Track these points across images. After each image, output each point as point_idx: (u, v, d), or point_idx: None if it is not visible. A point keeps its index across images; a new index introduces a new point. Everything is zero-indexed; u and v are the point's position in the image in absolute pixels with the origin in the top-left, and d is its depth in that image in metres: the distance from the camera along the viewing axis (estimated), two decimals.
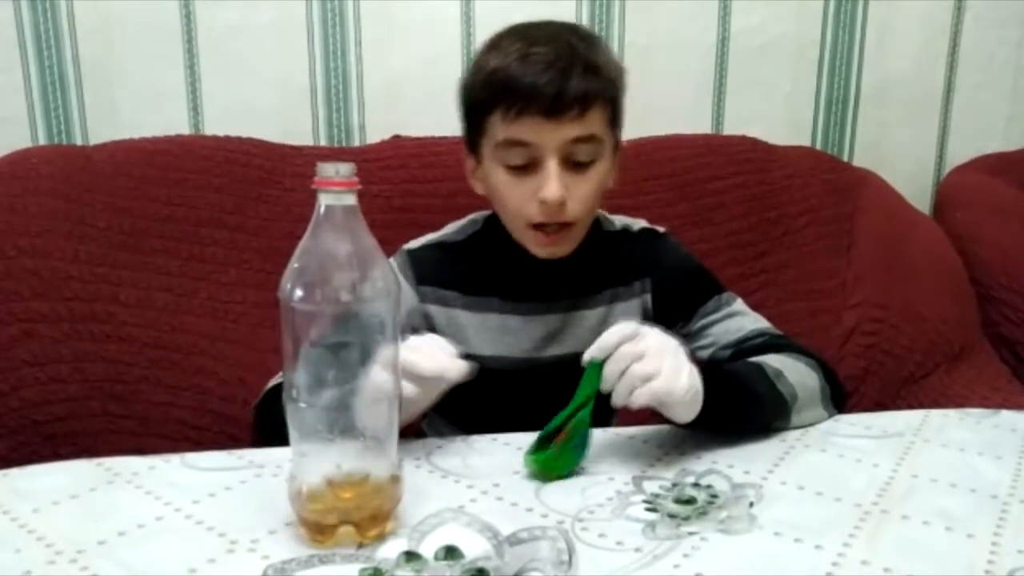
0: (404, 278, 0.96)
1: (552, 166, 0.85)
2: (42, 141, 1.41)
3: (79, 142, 1.41)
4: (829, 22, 1.61)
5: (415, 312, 0.96)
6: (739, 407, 0.83)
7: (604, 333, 0.76)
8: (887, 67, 1.66)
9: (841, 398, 0.93)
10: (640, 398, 0.73)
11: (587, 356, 0.76)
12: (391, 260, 0.99)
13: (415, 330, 0.94)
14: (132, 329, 1.18)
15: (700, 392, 0.77)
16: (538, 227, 0.89)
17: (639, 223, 1.04)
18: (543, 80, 0.83)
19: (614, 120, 0.91)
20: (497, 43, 0.89)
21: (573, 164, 0.87)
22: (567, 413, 0.76)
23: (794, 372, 0.88)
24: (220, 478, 0.75)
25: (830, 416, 0.91)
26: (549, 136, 0.85)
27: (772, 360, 0.88)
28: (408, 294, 0.96)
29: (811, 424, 0.89)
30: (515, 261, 0.95)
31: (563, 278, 0.97)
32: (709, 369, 0.80)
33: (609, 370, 0.74)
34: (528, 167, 0.87)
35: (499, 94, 0.85)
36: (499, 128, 0.87)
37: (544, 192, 0.85)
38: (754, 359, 0.89)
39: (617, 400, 0.74)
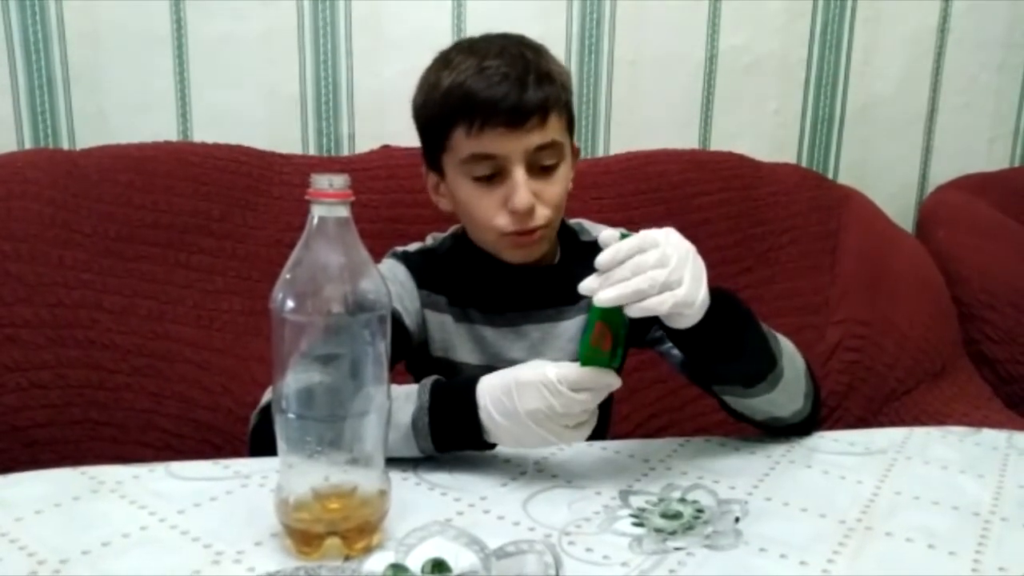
0: (407, 278, 0.96)
1: (519, 175, 0.87)
2: (28, 145, 1.40)
3: (66, 147, 1.40)
4: (816, 42, 1.63)
5: (417, 314, 0.96)
6: (737, 325, 0.79)
7: (612, 247, 0.71)
8: (872, 87, 1.68)
9: (818, 407, 0.91)
10: (663, 307, 0.69)
11: (593, 276, 0.71)
12: (384, 261, 0.99)
13: (417, 330, 0.95)
14: (116, 336, 1.18)
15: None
16: (509, 234, 0.90)
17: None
18: (501, 92, 0.85)
19: (570, 125, 0.93)
20: (448, 60, 0.90)
21: (539, 169, 0.89)
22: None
23: (784, 341, 0.86)
24: (205, 488, 0.74)
25: (808, 412, 0.88)
26: (513, 146, 0.87)
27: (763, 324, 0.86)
28: (413, 294, 0.96)
29: (793, 412, 0.87)
30: (494, 273, 0.95)
31: (541, 289, 0.97)
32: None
33: (627, 279, 0.69)
34: (495, 177, 0.89)
35: (459, 110, 0.87)
36: (463, 144, 0.88)
37: (514, 202, 0.87)
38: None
39: (634, 312, 0.70)
